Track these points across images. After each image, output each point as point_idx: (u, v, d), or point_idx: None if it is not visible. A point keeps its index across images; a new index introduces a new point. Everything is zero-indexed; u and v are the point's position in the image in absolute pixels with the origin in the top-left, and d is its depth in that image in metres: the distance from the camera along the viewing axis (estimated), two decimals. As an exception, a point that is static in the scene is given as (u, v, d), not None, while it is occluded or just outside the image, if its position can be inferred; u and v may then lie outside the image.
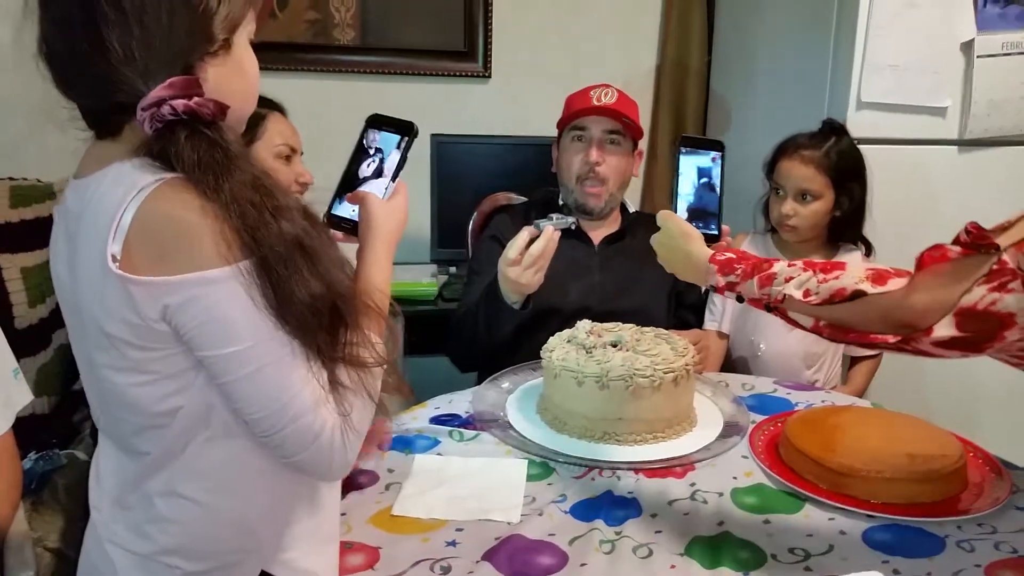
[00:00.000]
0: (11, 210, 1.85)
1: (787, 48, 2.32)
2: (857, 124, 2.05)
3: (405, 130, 1.03)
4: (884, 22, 2.00)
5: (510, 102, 2.68)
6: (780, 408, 1.55)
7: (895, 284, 0.97)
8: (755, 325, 1.89)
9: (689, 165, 1.29)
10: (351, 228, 1.02)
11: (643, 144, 2.66)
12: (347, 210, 1.03)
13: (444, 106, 2.64)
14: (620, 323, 1.57)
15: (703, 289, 2.07)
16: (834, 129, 1.86)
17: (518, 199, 2.29)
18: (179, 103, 0.78)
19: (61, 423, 1.80)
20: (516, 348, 1.74)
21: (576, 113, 1.86)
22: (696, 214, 1.27)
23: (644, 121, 2.63)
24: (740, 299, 1.12)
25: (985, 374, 2.21)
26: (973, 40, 2.06)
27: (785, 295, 1.05)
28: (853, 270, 1.01)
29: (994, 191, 2.18)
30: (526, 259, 1.51)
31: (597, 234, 1.92)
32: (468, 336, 1.71)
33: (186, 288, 0.77)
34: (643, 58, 2.77)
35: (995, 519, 1.18)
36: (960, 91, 2.10)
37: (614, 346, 1.45)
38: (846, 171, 1.82)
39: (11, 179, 1.93)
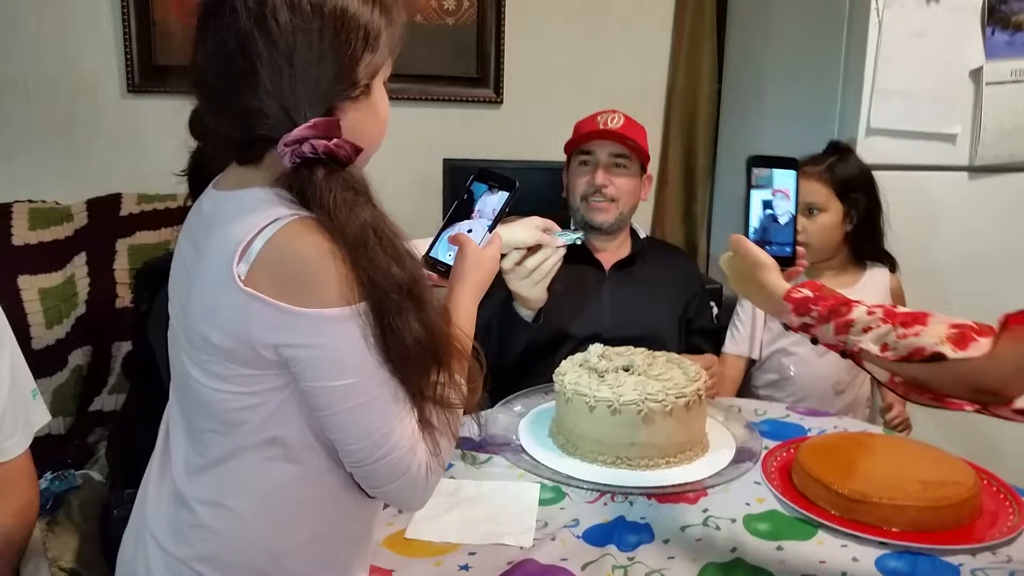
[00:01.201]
0: (30, 232, 1.88)
1: (797, 74, 2.34)
2: (867, 150, 2.06)
3: (509, 185, 1.10)
4: (893, 49, 2.01)
5: (521, 128, 2.71)
6: (793, 434, 1.55)
7: (977, 349, 0.92)
8: (785, 349, 1.89)
9: (761, 185, 1.25)
10: (445, 271, 1.07)
11: (653, 170, 2.70)
12: (444, 254, 1.08)
13: (457, 131, 2.66)
14: (632, 347, 1.57)
15: (714, 314, 2.09)
16: (837, 148, 1.88)
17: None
18: (320, 143, 0.83)
19: (77, 444, 1.82)
20: (528, 371, 1.75)
21: (582, 137, 1.88)
22: (769, 236, 1.22)
23: (654, 148, 2.65)
24: (815, 341, 1.09)
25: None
26: (982, 68, 2.07)
27: (861, 348, 1.01)
28: (935, 327, 0.97)
29: (1005, 217, 2.18)
30: (521, 270, 1.51)
31: (607, 258, 1.93)
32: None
33: (304, 322, 0.81)
34: (653, 85, 2.79)
35: (1010, 548, 1.17)
36: (970, 118, 2.11)
37: (626, 370, 1.46)
38: (850, 182, 1.83)
39: (30, 201, 1.97)
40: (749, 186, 1.23)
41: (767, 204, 1.23)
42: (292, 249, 0.82)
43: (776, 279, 1.13)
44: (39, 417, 1.32)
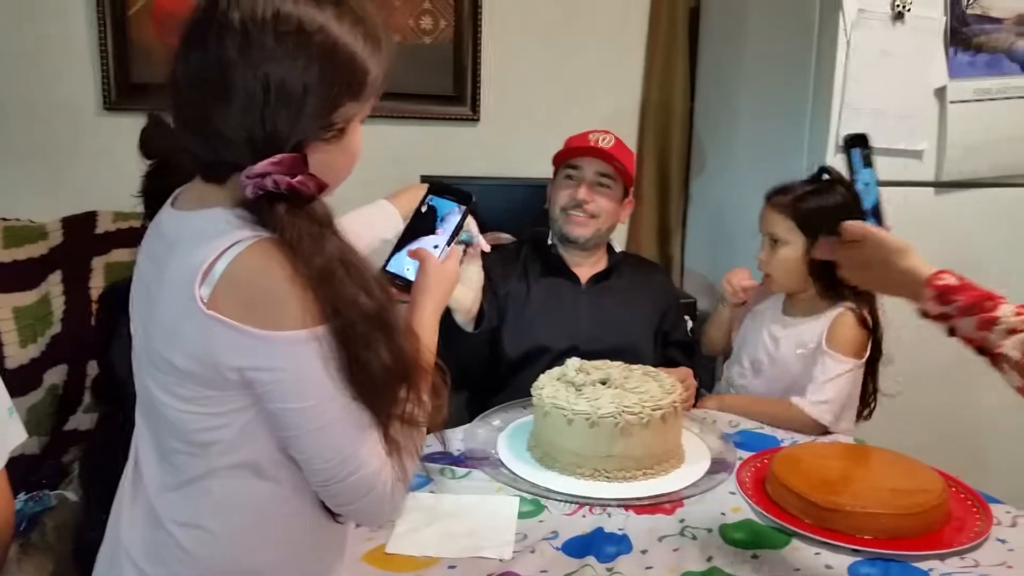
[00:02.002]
0: (4, 250, 1.87)
1: (767, 91, 2.39)
2: (836, 166, 2.10)
3: (465, 199, 1.10)
4: (861, 67, 2.06)
5: (498, 145, 2.73)
6: (767, 445, 1.58)
7: None
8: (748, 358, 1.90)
9: (864, 170, 1.17)
10: (403, 286, 1.06)
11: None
12: (401, 267, 1.08)
13: (434, 148, 2.68)
14: (608, 361, 1.59)
15: (689, 328, 2.12)
16: (820, 177, 1.78)
17: (507, 238, 2.32)
18: (283, 180, 0.82)
19: (51, 464, 1.80)
20: (505, 385, 1.76)
21: (571, 151, 1.91)
22: (881, 220, 1.17)
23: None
24: (951, 333, 1.04)
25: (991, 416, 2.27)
26: (946, 87, 2.13)
27: (1002, 352, 0.96)
28: None
29: (970, 232, 2.24)
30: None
31: (583, 272, 1.95)
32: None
33: (267, 345, 0.81)
34: (627, 101, 2.82)
35: (977, 552, 1.20)
36: (935, 135, 2.17)
37: (603, 383, 1.48)
38: (817, 217, 1.70)
39: (4, 219, 1.95)
40: (857, 168, 1.16)
41: (870, 183, 1.16)
42: (253, 271, 0.81)
43: (919, 263, 1.07)
44: (14, 436, 1.31)
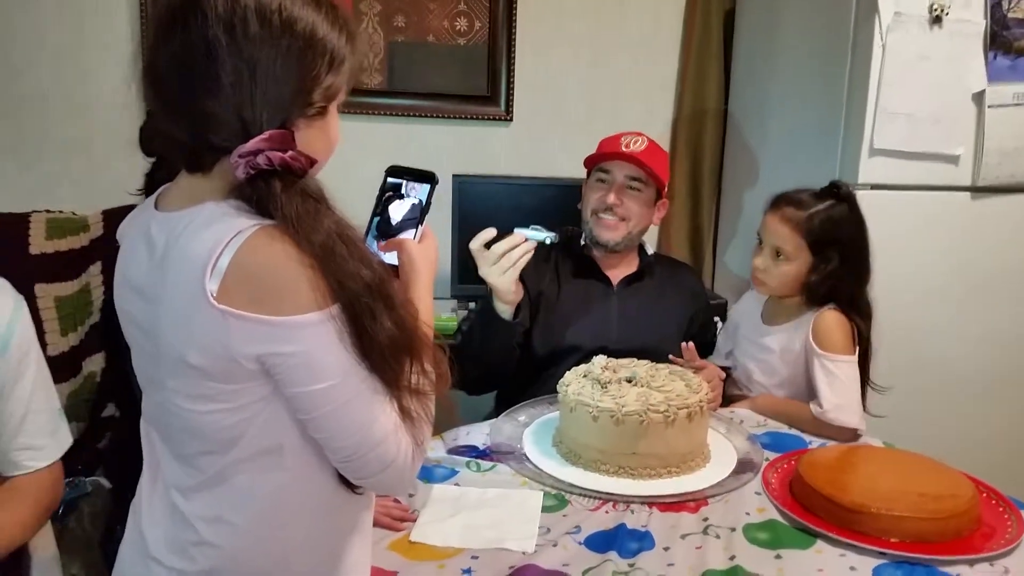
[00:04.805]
0: (47, 241, 1.91)
1: (801, 96, 2.37)
2: (870, 170, 2.09)
3: (427, 179, 1.10)
4: (897, 72, 2.05)
5: (530, 145, 2.75)
6: (794, 446, 1.57)
7: None
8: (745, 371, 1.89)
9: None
10: None
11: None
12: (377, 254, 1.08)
13: (467, 148, 2.71)
14: (635, 359, 1.60)
15: (718, 330, 2.11)
16: (834, 192, 1.75)
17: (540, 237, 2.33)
18: (275, 155, 0.83)
19: (87, 450, 1.84)
20: (533, 381, 1.77)
21: (602, 156, 1.91)
22: None
23: (661, 166, 2.69)
24: None
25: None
26: (984, 91, 2.10)
27: None
28: None
29: (1006, 237, 2.21)
30: (489, 255, 1.57)
31: (615, 274, 1.95)
32: (466, 353, 1.75)
33: (282, 330, 0.82)
34: (660, 106, 2.83)
35: (1007, 559, 1.19)
36: (972, 139, 2.14)
37: (629, 381, 1.48)
38: (826, 237, 1.70)
39: (47, 211, 2.00)
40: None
41: None
42: (260, 259, 0.82)
43: None
44: (65, 436, 1.34)
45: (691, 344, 1.73)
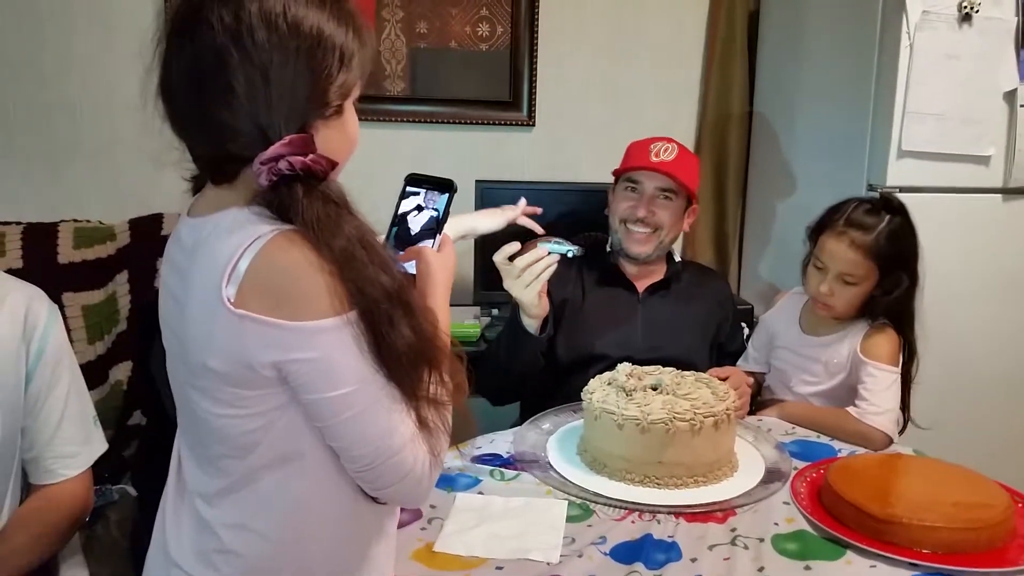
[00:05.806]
0: (74, 251, 1.94)
1: (828, 97, 2.34)
2: (898, 172, 2.06)
3: (446, 187, 1.09)
4: (925, 71, 2.01)
5: (553, 150, 2.74)
6: (823, 455, 1.55)
7: None
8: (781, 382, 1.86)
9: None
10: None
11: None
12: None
13: (489, 153, 2.70)
14: (660, 367, 1.58)
15: (745, 336, 2.09)
16: (889, 206, 1.70)
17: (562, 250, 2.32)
18: (296, 160, 0.83)
19: (114, 458, 1.86)
20: (558, 390, 1.76)
21: (631, 168, 1.88)
22: None
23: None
24: None
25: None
26: (1016, 90, 2.06)
27: None
28: None
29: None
30: (512, 268, 1.56)
31: (642, 283, 1.93)
32: (492, 364, 1.75)
33: (299, 336, 0.82)
34: (684, 109, 2.81)
35: (1044, 571, 1.16)
36: (1004, 140, 2.10)
37: (654, 389, 1.47)
38: (894, 254, 1.67)
39: (75, 221, 2.03)
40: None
41: None
42: (278, 265, 0.82)
43: None
44: (98, 444, 1.36)
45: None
